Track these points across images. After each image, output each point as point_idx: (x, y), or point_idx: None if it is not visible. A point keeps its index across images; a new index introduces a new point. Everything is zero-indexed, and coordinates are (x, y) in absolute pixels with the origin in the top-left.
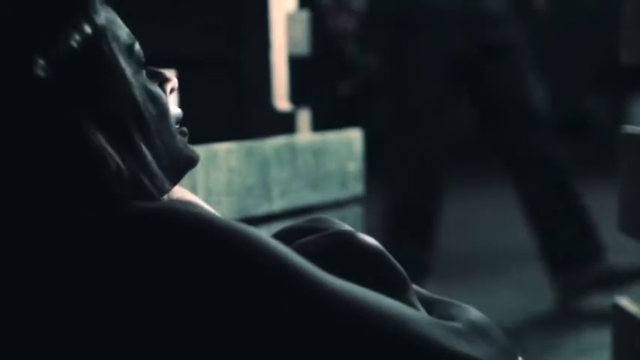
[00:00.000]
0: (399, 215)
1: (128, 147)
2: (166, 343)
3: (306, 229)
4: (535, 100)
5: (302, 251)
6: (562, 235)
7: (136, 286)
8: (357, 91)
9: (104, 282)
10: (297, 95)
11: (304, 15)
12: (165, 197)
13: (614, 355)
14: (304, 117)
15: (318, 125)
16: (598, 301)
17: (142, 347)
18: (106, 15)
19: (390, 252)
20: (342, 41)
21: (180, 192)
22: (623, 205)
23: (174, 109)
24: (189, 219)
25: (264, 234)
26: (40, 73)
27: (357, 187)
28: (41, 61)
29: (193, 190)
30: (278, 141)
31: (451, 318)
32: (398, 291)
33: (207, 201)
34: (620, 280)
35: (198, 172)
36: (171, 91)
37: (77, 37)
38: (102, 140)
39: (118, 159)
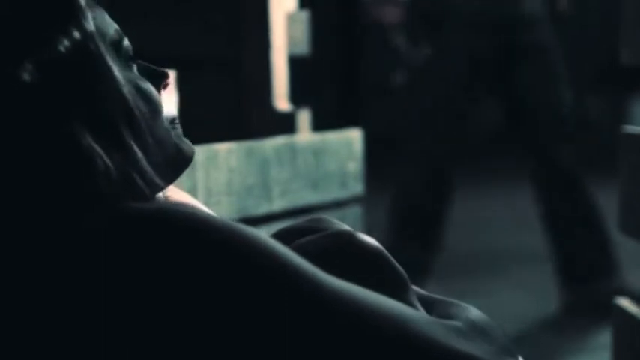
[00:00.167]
0: (404, 215)
1: (117, 146)
2: (165, 344)
3: (306, 229)
4: (563, 104)
5: (301, 251)
6: (578, 244)
7: (132, 287)
8: (407, 83)
9: (100, 284)
10: (297, 95)
11: (304, 15)
12: (161, 196)
13: (614, 355)
14: (304, 117)
15: (318, 125)
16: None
17: (140, 348)
18: (94, 15)
19: (392, 251)
20: (390, 33)
21: (177, 194)
22: (623, 205)
23: (170, 106)
24: (184, 219)
25: (263, 234)
26: (27, 77)
27: (357, 187)
28: (28, 66)
29: (193, 190)
30: (278, 141)
31: (451, 317)
32: (398, 291)
33: (207, 201)
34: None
35: (198, 172)
36: (165, 86)
37: (66, 42)
38: (89, 140)
39: (106, 158)
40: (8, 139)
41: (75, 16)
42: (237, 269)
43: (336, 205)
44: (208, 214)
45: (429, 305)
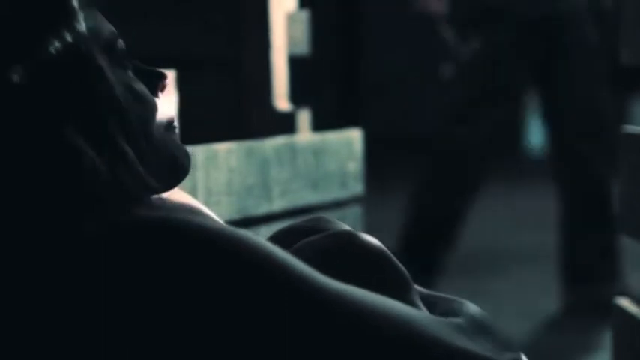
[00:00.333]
0: (424, 212)
1: (109, 147)
2: (167, 348)
3: (306, 229)
4: (600, 105)
5: (302, 252)
6: (587, 246)
7: (132, 293)
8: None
9: (100, 294)
10: (297, 95)
11: (304, 15)
12: (157, 198)
13: (614, 355)
14: (304, 117)
15: (318, 125)
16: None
17: (141, 353)
18: (87, 16)
19: (404, 249)
20: (438, 25)
21: (177, 195)
22: (623, 205)
23: (169, 107)
24: (182, 226)
25: (261, 238)
26: (17, 78)
27: (357, 187)
28: (19, 67)
29: (193, 190)
30: (278, 141)
31: (452, 314)
32: (400, 290)
33: (207, 201)
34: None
35: (198, 172)
36: (163, 88)
37: (57, 43)
38: (80, 142)
39: (96, 159)
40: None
41: (66, 18)
42: (238, 273)
43: (336, 205)
44: (209, 219)
45: (430, 303)
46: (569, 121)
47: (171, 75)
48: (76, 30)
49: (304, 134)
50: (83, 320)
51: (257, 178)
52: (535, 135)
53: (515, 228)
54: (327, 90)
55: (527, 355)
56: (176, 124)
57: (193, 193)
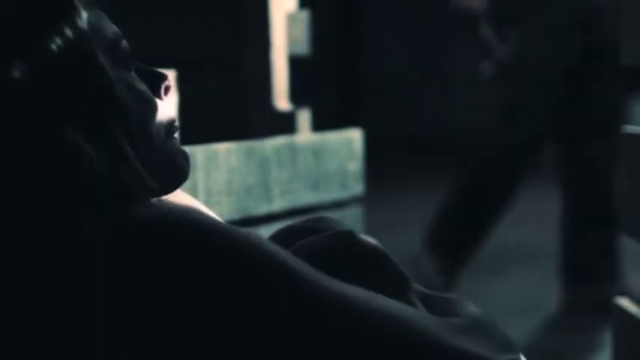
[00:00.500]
0: (450, 218)
1: (109, 146)
2: (167, 347)
3: (306, 229)
4: (615, 104)
5: (303, 252)
6: (587, 245)
7: (137, 297)
8: (496, 75)
9: (104, 295)
10: (297, 95)
11: (304, 15)
12: (157, 199)
13: (614, 355)
14: (304, 117)
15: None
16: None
17: (142, 352)
18: (89, 15)
19: (431, 241)
20: (479, 23)
21: (177, 195)
22: (623, 205)
23: (169, 108)
24: (185, 223)
25: (262, 236)
26: (17, 75)
27: (357, 187)
28: (20, 64)
29: (193, 190)
30: (278, 141)
31: (451, 314)
32: (400, 290)
33: (207, 201)
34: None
35: (198, 172)
36: (166, 90)
37: (58, 40)
38: (79, 139)
39: (95, 158)
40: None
41: (68, 15)
42: (239, 272)
43: (336, 205)
44: (209, 218)
45: (429, 303)
46: (582, 119)
47: (171, 75)
48: (77, 26)
49: (304, 134)
50: (83, 320)
51: (257, 178)
52: None
53: (515, 228)
54: (327, 90)
55: (527, 355)
56: (177, 124)
57: (193, 193)
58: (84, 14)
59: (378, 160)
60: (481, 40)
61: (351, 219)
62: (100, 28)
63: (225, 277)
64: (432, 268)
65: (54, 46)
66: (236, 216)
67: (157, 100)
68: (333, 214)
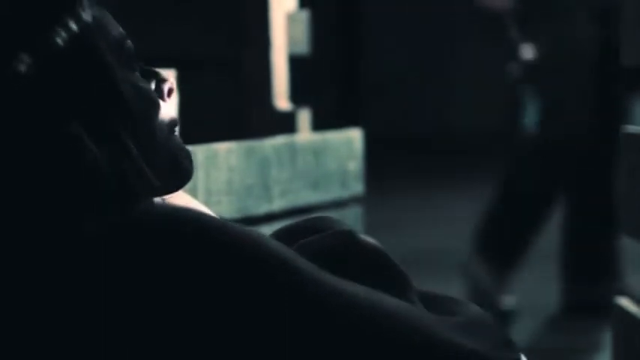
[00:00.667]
0: (496, 227)
1: (113, 143)
2: (168, 346)
3: (306, 229)
4: (623, 105)
5: (302, 252)
6: (588, 246)
7: (138, 296)
8: (522, 76)
9: (105, 294)
10: (297, 95)
11: (304, 15)
12: (159, 200)
13: (614, 355)
14: (304, 116)
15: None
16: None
17: (143, 350)
18: (94, 13)
19: (481, 239)
20: (505, 23)
21: (177, 195)
22: (623, 205)
23: (171, 108)
24: (189, 221)
25: (265, 235)
26: (22, 68)
27: (357, 187)
28: (24, 57)
29: (193, 190)
30: (278, 141)
31: (451, 313)
32: (399, 289)
33: (207, 201)
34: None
35: (198, 171)
36: (170, 92)
37: (63, 34)
38: (83, 135)
39: (98, 155)
40: (2, 132)
41: (73, 8)
42: (240, 270)
43: (336, 205)
44: (210, 216)
45: (429, 302)
46: (592, 118)
47: (171, 75)
48: (82, 20)
49: (304, 134)
50: (84, 319)
51: (257, 177)
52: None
53: None
54: (327, 90)
55: (527, 355)
56: (178, 124)
57: (193, 193)
58: (88, 9)
59: (378, 160)
60: (508, 40)
61: (351, 219)
62: (105, 25)
63: (228, 275)
64: (481, 271)
65: (59, 40)
66: (236, 216)
67: (160, 101)
68: (333, 214)
